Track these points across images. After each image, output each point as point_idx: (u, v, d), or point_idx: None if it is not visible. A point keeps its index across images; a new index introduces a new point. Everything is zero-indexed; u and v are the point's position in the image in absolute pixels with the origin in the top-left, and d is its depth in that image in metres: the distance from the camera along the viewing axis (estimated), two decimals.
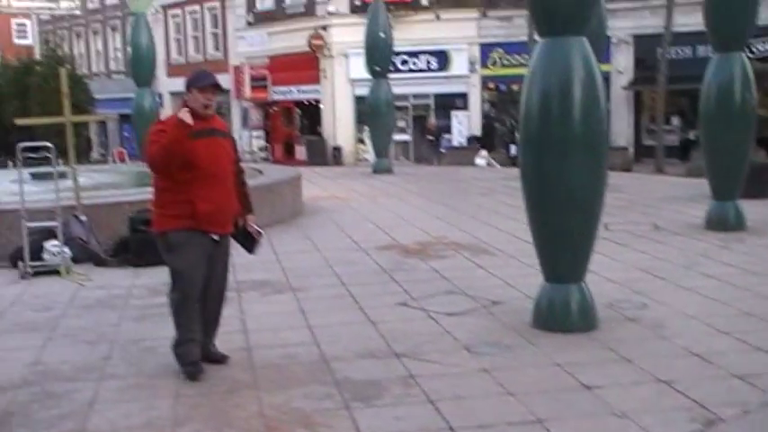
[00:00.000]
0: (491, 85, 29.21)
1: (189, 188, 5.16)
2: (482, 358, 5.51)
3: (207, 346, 5.50)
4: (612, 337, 5.90)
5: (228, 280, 5.62)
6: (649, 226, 10.71)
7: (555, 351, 5.61)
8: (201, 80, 5.28)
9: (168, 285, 5.37)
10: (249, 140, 34.77)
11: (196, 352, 5.34)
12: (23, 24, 58.66)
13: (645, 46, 26.10)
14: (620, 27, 24.85)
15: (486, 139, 27.02)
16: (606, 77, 6.04)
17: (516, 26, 26.89)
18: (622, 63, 26.60)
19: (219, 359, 5.52)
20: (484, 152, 25.69)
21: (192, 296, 5.27)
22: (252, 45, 34.15)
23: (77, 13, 44.06)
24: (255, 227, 5.61)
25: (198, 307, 5.33)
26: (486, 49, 28.56)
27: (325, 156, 29.86)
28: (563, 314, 6.12)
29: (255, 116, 35.30)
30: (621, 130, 25.76)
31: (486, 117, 27.92)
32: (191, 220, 5.17)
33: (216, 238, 5.29)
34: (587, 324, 6.11)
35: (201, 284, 5.30)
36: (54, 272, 8.48)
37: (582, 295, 6.14)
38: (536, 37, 6.31)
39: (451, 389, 4.95)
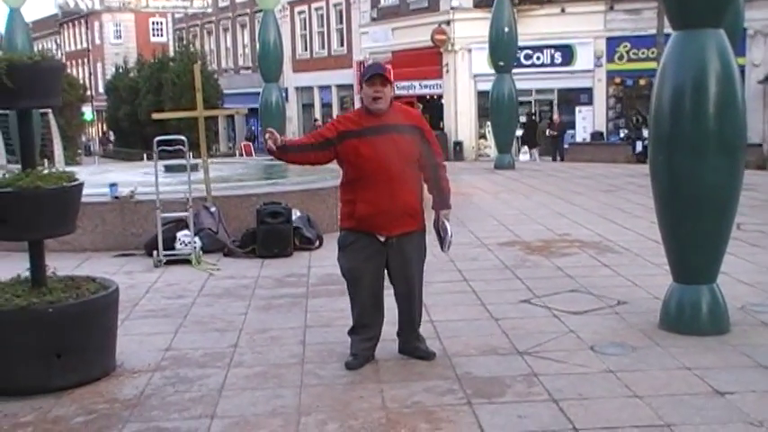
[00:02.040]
0: (617, 80, 28.52)
1: (354, 188, 5.19)
2: (607, 359, 5.39)
3: (411, 342, 5.48)
4: (746, 342, 5.67)
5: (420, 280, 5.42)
6: None
7: (684, 354, 5.43)
8: (367, 72, 5.16)
9: None
10: None
11: (361, 346, 5.37)
12: (159, 23, 61.30)
13: None
14: (758, 18, 23.80)
15: (528, 136, 27.06)
16: (741, 71, 5.74)
17: (645, 19, 26.15)
18: (758, 56, 25.49)
19: (424, 356, 5.43)
20: (525, 148, 27.01)
21: (359, 295, 5.32)
22: (375, 40, 34.49)
23: (209, 10, 45.45)
24: (446, 224, 5.39)
25: (374, 306, 5.35)
26: (612, 42, 27.89)
27: (446, 151, 29.86)
28: (693, 316, 5.91)
29: None
30: (755, 126, 24.66)
31: (528, 115, 27.51)
32: (354, 220, 5.20)
33: (381, 239, 5.20)
34: (718, 327, 5.89)
35: (371, 285, 5.29)
36: (185, 261, 8.79)
37: (713, 297, 5.92)
38: (667, 30, 6.08)
39: (575, 388, 4.87)
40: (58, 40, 72.39)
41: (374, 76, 5.10)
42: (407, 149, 5.16)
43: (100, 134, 59.65)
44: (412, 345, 5.50)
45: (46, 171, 5.29)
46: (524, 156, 26.65)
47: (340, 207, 5.43)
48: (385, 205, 5.11)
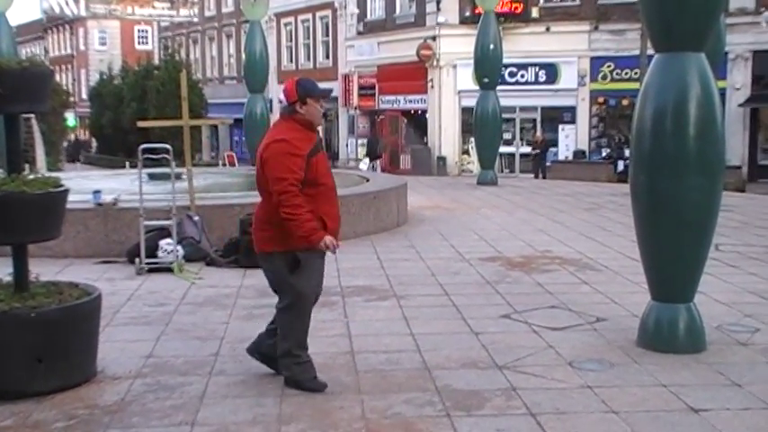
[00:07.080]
0: (600, 100, 28.78)
1: None
2: (585, 374, 5.46)
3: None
4: (721, 361, 5.76)
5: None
6: (763, 248, 10.37)
7: (660, 371, 5.51)
8: (318, 88, 5.20)
9: None
10: (355, 148, 35.29)
11: None
12: (145, 31, 61.26)
13: (764, 62, 25.30)
14: (739, 42, 24.13)
15: (369, 150, 29.46)
16: (722, 94, 5.85)
17: (628, 40, 26.44)
18: (739, 79, 25.82)
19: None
20: (366, 159, 29.96)
21: None
22: (361, 54, 34.63)
23: (195, 20, 45.50)
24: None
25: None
26: (596, 62, 28.17)
27: (429, 165, 29.98)
28: (670, 334, 6.00)
29: (362, 124, 35.73)
30: (736, 148, 24.99)
31: (371, 132, 28.46)
32: None
33: None
34: (695, 346, 5.98)
35: None
36: (167, 269, 8.79)
37: (690, 316, 6.01)
38: (650, 51, 6.17)
39: (553, 403, 4.93)
40: (45, 46, 72.04)
41: (324, 92, 5.21)
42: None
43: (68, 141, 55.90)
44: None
45: (31, 176, 5.31)
46: (364, 165, 29.41)
47: None
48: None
